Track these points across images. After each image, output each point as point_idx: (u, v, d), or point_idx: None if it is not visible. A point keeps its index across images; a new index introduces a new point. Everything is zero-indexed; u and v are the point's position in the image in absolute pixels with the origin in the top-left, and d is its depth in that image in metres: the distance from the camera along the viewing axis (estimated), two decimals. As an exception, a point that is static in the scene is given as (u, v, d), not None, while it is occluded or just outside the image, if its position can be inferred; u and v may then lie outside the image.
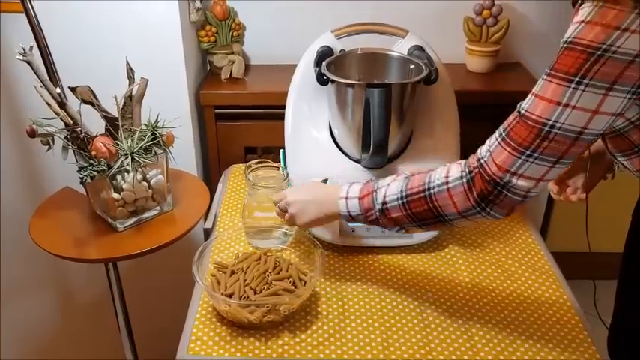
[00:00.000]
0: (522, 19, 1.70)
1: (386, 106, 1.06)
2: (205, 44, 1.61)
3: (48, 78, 1.15)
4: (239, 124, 1.59)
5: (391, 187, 0.92)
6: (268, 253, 1.07)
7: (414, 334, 0.97)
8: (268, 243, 1.14)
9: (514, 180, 0.80)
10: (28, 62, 1.09)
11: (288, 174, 1.18)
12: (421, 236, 1.16)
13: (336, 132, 1.21)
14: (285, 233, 1.13)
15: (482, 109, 1.57)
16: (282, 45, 1.69)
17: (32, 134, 1.12)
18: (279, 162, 1.24)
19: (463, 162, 0.86)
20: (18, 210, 1.58)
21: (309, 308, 1.02)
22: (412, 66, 1.19)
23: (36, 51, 1.16)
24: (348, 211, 0.97)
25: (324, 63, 1.17)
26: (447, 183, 0.85)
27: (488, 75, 1.67)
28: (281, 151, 1.26)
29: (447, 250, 1.17)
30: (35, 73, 1.10)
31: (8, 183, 1.58)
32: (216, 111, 1.57)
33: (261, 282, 0.99)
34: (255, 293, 0.97)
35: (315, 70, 1.18)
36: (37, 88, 1.13)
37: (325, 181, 1.14)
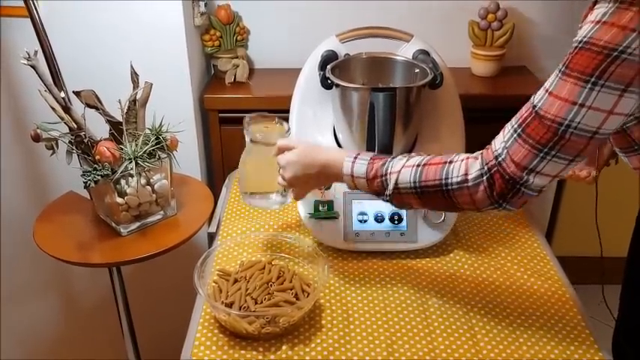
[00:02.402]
0: (527, 23, 1.69)
1: (390, 110, 1.05)
2: (209, 48, 1.61)
3: (52, 82, 1.15)
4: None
5: (403, 175, 0.90)
6: (273, 263, 1.07)
7: (418, 340, 0.96)
8: (265, 203, 1.09)
9: (531, 178, 0.80)
10: (33, 67, 1.09)
11: (289, 128, 1.11)
12: (426, 241, 1.15)
13: (340, 136, 1.21)
14: (284, 191, 1.07)
15: (488, 113, 1.56)
16: (287, 49, 1.69)
17: (36, 138, 1.12)
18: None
19: (480, 157, 0.85)
20: (22, 214, 1.58)
21: (313, 317, 1.01)
22: (417, 70, 1.19)
23: (40, 55, 1.16)
24: (355, 185, 0.96)
25: (328, 67, 1.16)
26: (466, 181, 0.84)
27: (493, 79, 1.67)
28: (285, 155, 1.25)
29: (451, 255, 1.17)
30: (40, 77, 1.11)
31: (12, 187, 1.58)
32: (221, 115, 1.57)
33: (263, 292, 0.98)
34: (256, 303, 0.96)
35: (319, 74, 1.17)
36: (41, 93, 1.13)
37: None
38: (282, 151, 1.02)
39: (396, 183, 0.90)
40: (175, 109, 1.42)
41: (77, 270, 1.63)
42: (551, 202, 1.93)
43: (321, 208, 1.16)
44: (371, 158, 0.94)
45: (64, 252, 1.15)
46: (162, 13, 1.39)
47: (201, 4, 1.52)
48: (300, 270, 1.08)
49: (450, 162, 0.87)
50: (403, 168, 0.90)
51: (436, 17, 1.66)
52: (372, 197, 1.14)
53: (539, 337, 0.97)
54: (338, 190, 1.16)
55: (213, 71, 1.68)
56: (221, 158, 1.62)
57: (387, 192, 0.92)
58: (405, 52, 1.24)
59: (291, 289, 1.00)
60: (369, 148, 1.11)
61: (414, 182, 0.89)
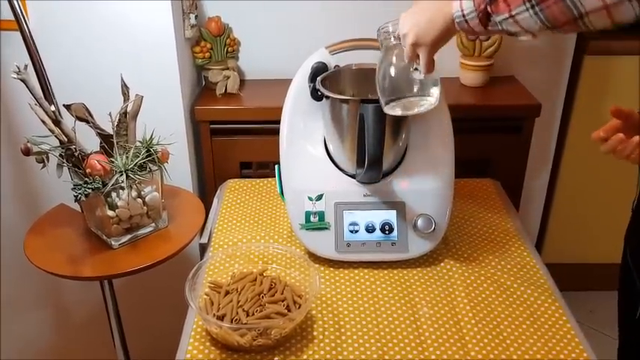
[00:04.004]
0: (515, 33, 1.71)
1: (380, 121, 1.06)
2: (200, 60, 1.61)
3: (43, 96, 1.15)
4: (234, 140, 1.59)
5: None
6: (265, 274, 1.07)
7: (410, 350, 0.96)
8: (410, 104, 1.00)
9: None
10: (23, 80, 1.10)
11: None
12: (417, 251, 1.16)
13: (330, 147, 1.22)
14: (415, 69, 0.97)
15: (476, 123, 1.58)
16: (277, 60, 1.70)
17: (27, 152, 1.12)
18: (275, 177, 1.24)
19: None
20: (13, 227, 1.57)
21: (304, 329, 1.01)
22: (406, 81, 1.19)
23: (31, 69, 1.16)
24: (463, 15, 0.85)
25: (318, 79, 1.17)
26: None
27: (481, 89, 1.68)
28: (276, 166, 1.26)
29: (442, 264, 1.17)
30: (30, 91, 1.11)
31: (3, 200, 1.57)
32: (212, 126, 1.57)
33: (254, 304, 0.98)
34: (248, 315, 0.96)
35: (309, 86, 1.18)
36: (31, 106, 1.13)
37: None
38: None
39: None
40: (166, 121, 1.42)
41: (69, 284, 1.63)
42: (541, 210, 1.94)
43: (312, 218, 1.17)
44: None
45: (55, 265, 1.15)
46: (153, 26, 1.39)
47: (192, 16, 1.53)
48: (291, 281, 1.08)
49: None
50: None
51: (425, 28, 1.67)
52: (364, 207, 1.16)
53: (529, 345, 0.97)
54: (329, 200, 1.16)
55: (204, 83, 1.69)
56: (212, 169, 1.62)
57: None
58: (394, 63, 1.24)
59: (283, 301, 1.00)
60: (359, 159, 1.12)
61: None
